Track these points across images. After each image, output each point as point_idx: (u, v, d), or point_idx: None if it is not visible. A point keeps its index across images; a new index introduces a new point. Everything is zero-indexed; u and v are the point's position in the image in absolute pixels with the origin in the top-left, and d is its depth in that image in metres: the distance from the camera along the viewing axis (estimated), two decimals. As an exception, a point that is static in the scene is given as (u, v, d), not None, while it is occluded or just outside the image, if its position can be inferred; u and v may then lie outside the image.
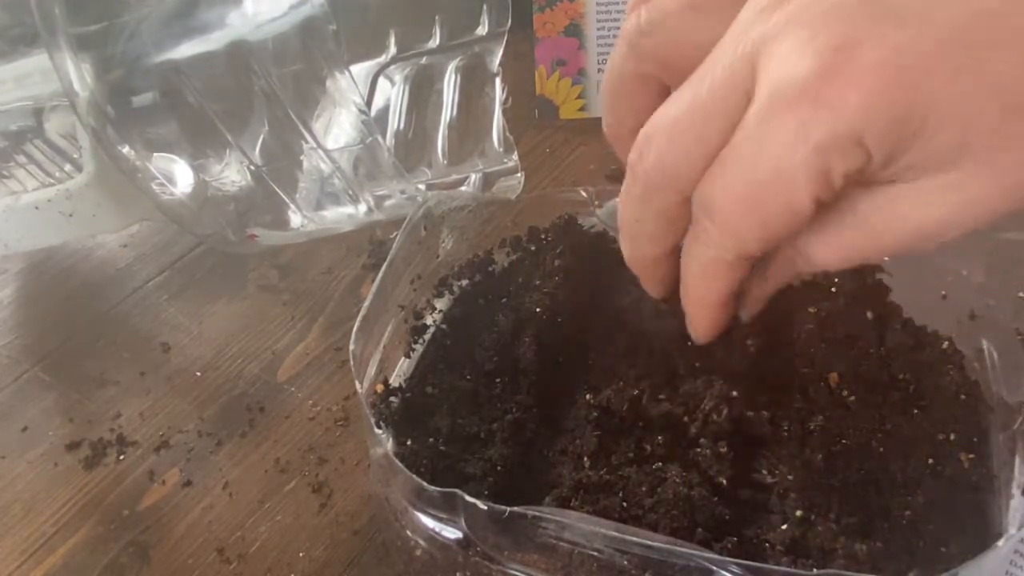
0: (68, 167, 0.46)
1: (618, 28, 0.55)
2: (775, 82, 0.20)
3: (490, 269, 0.38)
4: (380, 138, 0.43)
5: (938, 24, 0.19)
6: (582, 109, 0.56)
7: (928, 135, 0.20)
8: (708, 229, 0.23)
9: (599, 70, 0.55)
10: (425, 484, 0.26)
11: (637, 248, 0.27)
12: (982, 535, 0.26)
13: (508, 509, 0.25)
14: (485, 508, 0.25)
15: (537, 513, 0.25)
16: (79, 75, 0.39)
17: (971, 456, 0.28)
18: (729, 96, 0.22)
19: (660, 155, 0.23)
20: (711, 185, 0.22)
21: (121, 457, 0.40)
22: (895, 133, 0.20)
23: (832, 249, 0.23)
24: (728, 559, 0.22)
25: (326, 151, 0.43)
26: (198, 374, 0.44)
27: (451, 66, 0.55)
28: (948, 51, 0.20)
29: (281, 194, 0.44)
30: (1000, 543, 0.23)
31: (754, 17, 0.22)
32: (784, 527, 0.26)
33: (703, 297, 0.26)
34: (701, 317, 0.27)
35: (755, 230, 0.22)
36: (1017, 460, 0.27)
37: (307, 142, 0.43)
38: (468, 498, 0.25)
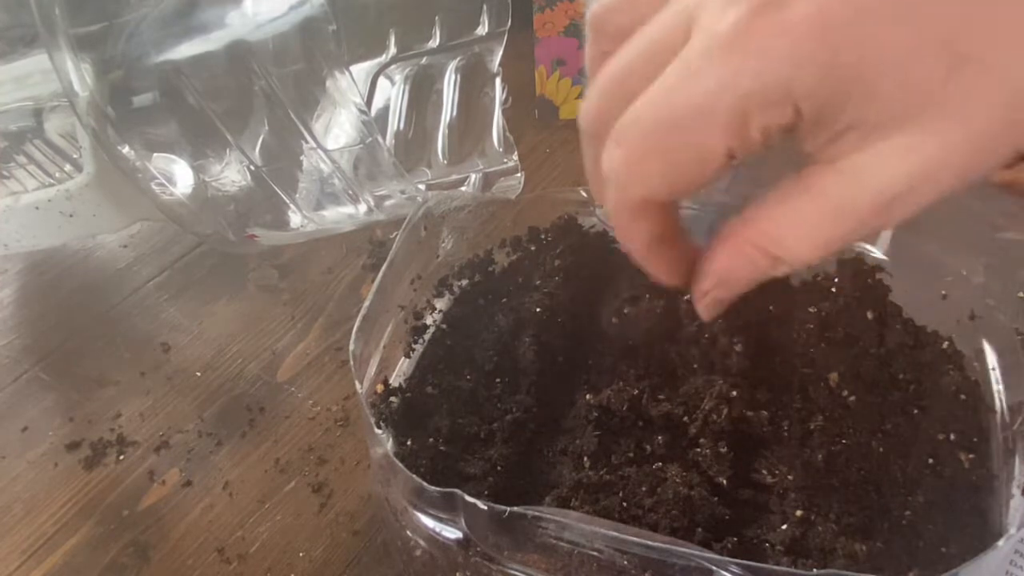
0: (68, 167, 0.46)
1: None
2: (706, 29, 0.20)
3: (490, 269, 0.38)
4: (380, 138, 0.43)
5: None
6: (582, 109, 0.56)
7: (867, 91, 0.19)
8: (615, 164, 0.22)
9: (599, 70, 0.55)
10: (425, 484, 0.26)
11: (605, 204, 0.25)
12: (982, 535, 0.26)
13: (508, 509, 0.24)
14: (485, 508, 0.25)
15: (537, 513, 0.25)
16: (79, 75, 0.39)
17: (971, 456, 0.28)
18: (661, 47, 0.21)
19: (594, 103, 0.23)
20: (626, 116, 0.21)
21: (121, 457, 0.40)
22: (827, 88, 0.19)
23: (804, 235, 0.21)
24: (728, 559, 0.22)
25: (326, 151, 0.43)
26: (198, 374, 0.44)
27: (451, 66, 0.55)
28: (887, 1, 0.19)
29: (281, 194, 0.44)
30: (1000, 543, 0.23)
31: None
32: (784, 527, 0.26)
33: (623, 241, 0.25)
34: (641, 261, 0.25)
35: (659, 169, 0.21)
36: (1017, 460, 0.27)
37: (307, 142, 0.43)
38: (468, 498, 0.25)
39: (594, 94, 0.23)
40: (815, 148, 0.20)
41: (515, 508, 0.25)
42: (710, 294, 0.24)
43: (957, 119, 0.19)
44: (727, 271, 0.23)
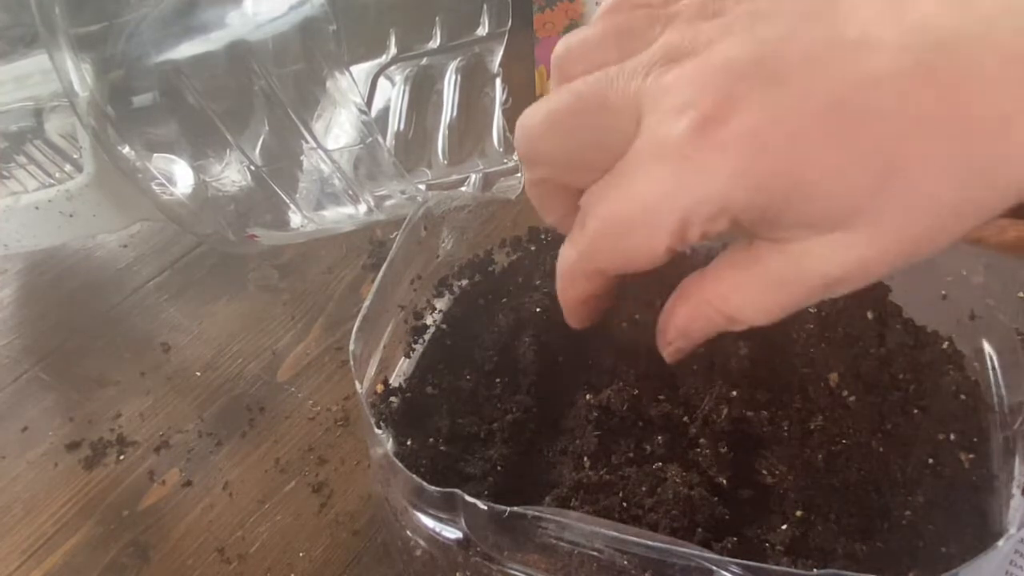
0: (68, 167, 0.46)
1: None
2: (655, 134, 0.22)
3: (490, 269, 0.38)
4: (380, 138, 0.43)
5: (818, 92, 0.20)
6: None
7: (804, 199, 0.21)
8: (579, 234, 0.25)
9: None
10: (425, 484, 0.26)
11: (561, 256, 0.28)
12: (982, 535, 0.26)
13: (508, 509, 0.24)
14: (485, 508, 0.25)
15: (537, 513, 0.24)
16: (79, 75, 0.39)
17: (971, 456, 0.28)
18: (613, 120, 0.23)
19: (539, 138, 0.26)
20: (596, 196, 0.24)
21: (121, 457, 0.40)
22: (760, 202, 0.21)
23: (751, 302, 0.24)
24: (728, 559, 0.22)
25: (326, 151, 0.43)
26: (198, 374, 0.44)
27: (451, 66, 0.55)
28: (824, 119, 0.20)
29: (281, 194, 0.44)
30: (1000, 543, 0.23)
31: (650, 62, 0.23)
32: (784, 527, 0.26)
33: (563, 292, 0.28)
34: (566, 307, 0.29)
35: (613, 253, 0.24)
36: (1017, 460, 0.27)
37: (307, 142, 0.43)
38: (468, 498, 0.25)
39: (562, 45, 0.26)
40: (759, 231, 0.22)
41: (515, 508, 0.25)
42: (673, 345, 0.27)
43: (886, 226, 0.21)
44: (686, 326, 0.26)
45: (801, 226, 0.21)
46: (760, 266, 0.23)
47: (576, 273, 0.26)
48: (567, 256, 0.26)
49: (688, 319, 0.26)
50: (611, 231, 0.24)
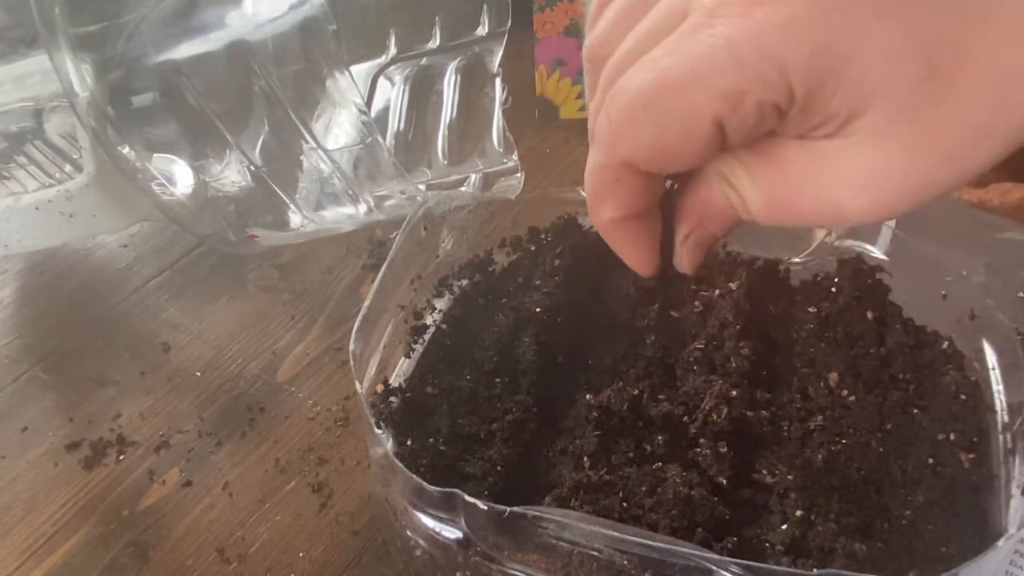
0: (68, 168, 0.46)
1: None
2: (704, 5, 0.20)
3: (490, 269, 0.38)
4: (380, 138, 0.43)
5: None
6: (582, 109, 0.56)
7: (853, 76, 0.19)
8: (603, 126, 0.22)
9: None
10: (425, 484, 0.26)
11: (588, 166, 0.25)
12: (982, 535, 0.26)
13: (508, 509, 0.24)
14: (485, 508, 0.25)
15: (537, 513, 0.24)
16: (79, 76, 0.39)
17: (971, 456, 0.28)
18: (668, 14, 0.21)
19: (600, 28, 0.23)
20: (619, 82, 0.21)
21: (121, 457, 0.40)
22: (817, 67, 0.19)
23: (762, 196, 0.22)
24: (728, 559, 0.22)
25: (326, 151, 0.43)
26: (198, 374, 0.44)
27: (451, 66, 0.55)
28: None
29: (281, 194, 0.44)
30: (1000, 543, 0.23)
31: None
32: (784, 527, 0.26)
33: (595, 209, 0.24)
34: (606, 235, 0.25)
35: (646, 129, 0.21)
36: (1017, 460, 0.27)
37: (307, 142, 0.43)
38: (468, 498, 0.25)
39: (601, 23, 0.24)
40: (793, 127, 0.21)
41: (515, 508, 0.25)
42: (691, 236, 0.25)
43: (922, 127, 0.19)
44: (704, 204, 0.24)
45: (836, 119, 0.20)
46: (779, 156, 0.21)
47: (603, 171, 0.23)
48: (590, 157, 0.23)
49: (705, 201, 0.23)
50: (648, 101, 0.21)
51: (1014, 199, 0.31)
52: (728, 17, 0.19)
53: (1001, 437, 0.28)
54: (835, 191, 0.20)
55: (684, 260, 0.25)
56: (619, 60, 0.22)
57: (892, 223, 0.34)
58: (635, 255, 0.25)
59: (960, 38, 0.19)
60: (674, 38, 0.20)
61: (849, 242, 0.35)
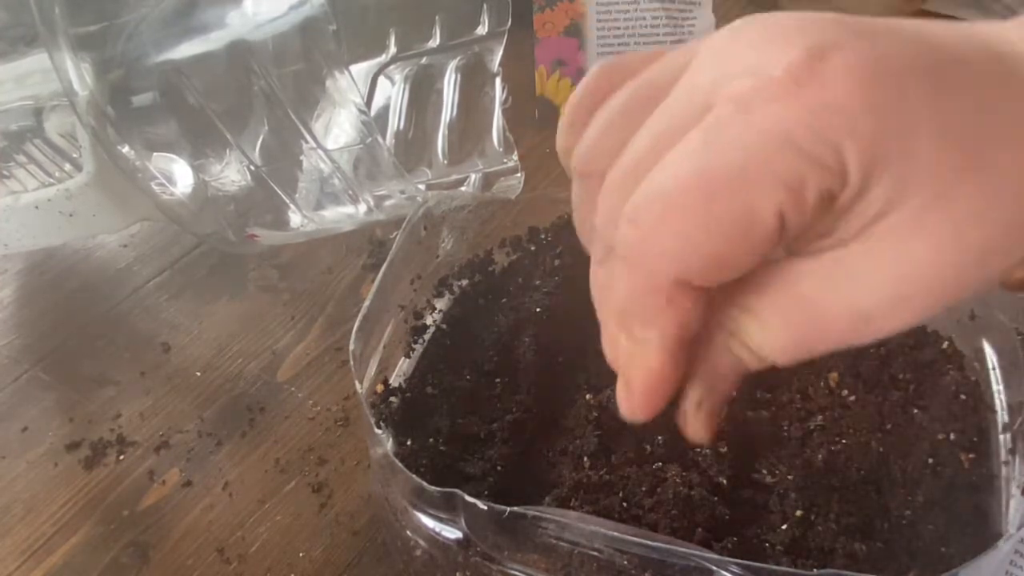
0: (68, 167, 0.46)
1: (618, 28, 0.55)
2: (741, 87, 0.18)
3: (490, 269, 0.38)
4: (380, 138, 0.43)
5: (916, 43, 0.18)
6: (582, 109, 0.56)
7: (899, 161, 0.17)
8: (631, 245, 0.19)
9: (599, 70, 0.55)
10: (425, 484, 0.26)
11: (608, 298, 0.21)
12: (982, 535, 0.26)
13: (508, 509, 0.24)
14: (485, 508, 0.25)
15: (537, 513, 0.25)
16: (79, 75, 0.39)
17: (971, 456, 0.28)
18: (682, 113, 0.19)
19: (592, 136, 0.21)
20: (640, 191, 0.18)
21: (121, 457, 0.40)
22: (877, 147, 0.17)
23: (778, 337, 0.19)
24: (728, 559, 0.22)
25: (326, 151, 0.43)
26: (198, 374, 0.44)
27: (451, 66, 0.55)
28: (925, 66, 0.17)
29: (281, 194, 0.44)
30: (1000, 543, 0.23)
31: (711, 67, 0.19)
32: (784, 527, 0.26)
33: (635, 334, 0.20)
34: (632, 380, 0.20)
35: (697, 241, 0.18)
36: (1017, 460, 0.27)
37: (307, 142, 0.43)
38: (468, 498, 0.25)
39: (591, 130, 0.21)
40: (810, 237, 0.18)
41: (515, 508, 0.25)
42: (703, 404, 0.21)
43: (956, 218, 0.17)
44: (712, 368, 0.21)
45: (875, 207, 0.17)
46: (790, 283, 0.19)
47: (650, 295, 0.19)
48: (625, 279, 0.19)
49: (713, 365, 0.20)
50: (693, 203, 0.18)
51: (1018, 278, 0.26)
52: (770, 103, 0.17)
53: (1001, 437, 0.28)
54: (863, 300, 0.18)
55: (699, 431, 0.22)
56: (632, 165, 0.19)
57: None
58: (663, 390, 0.21)
59: (995, 127, 0.17)
60: (701, 134, 0.18)
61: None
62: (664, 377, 0.20)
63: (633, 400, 0.21)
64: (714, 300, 0.20)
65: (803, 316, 0.19)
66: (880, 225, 0.18)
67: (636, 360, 0.20)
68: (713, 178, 0.18)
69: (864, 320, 0.18)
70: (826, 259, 0.18)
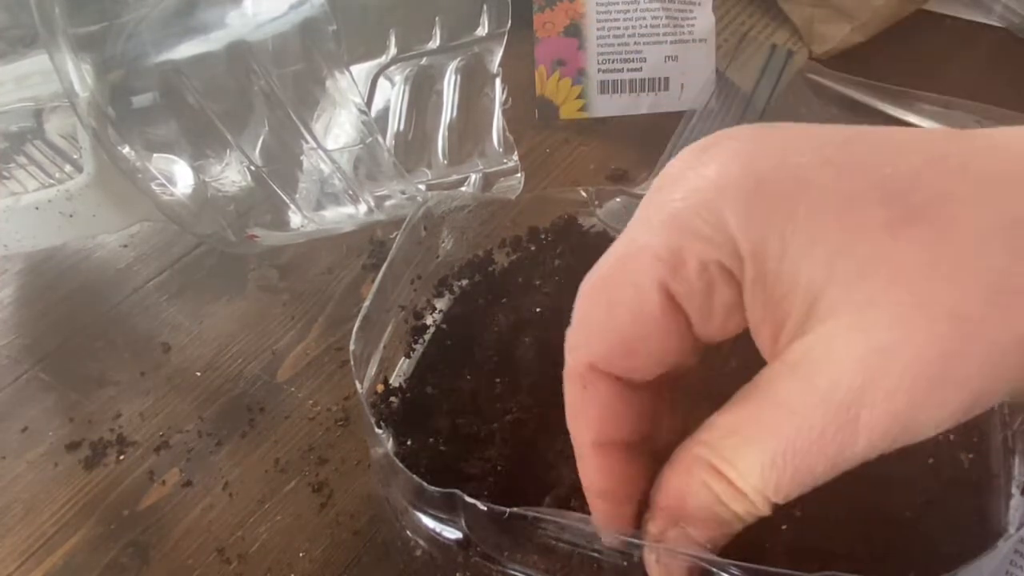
0: (68, 168, 0.46)
1: (618, 28, 0.55)
2: (652, 187, 0.19)
3: (490, 269, 0.38)
4: (380, 138, 0.43)
5: (816, 128, 0.17)
6: (582, 109, 0.56)
7: (797, 225, 0.16)
8: (568, 333, 0.20)
9: (599, 70, 0.55)
10: (425, 484, 0.26)
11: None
12: (982, 535, 0.26)
13: (508, 510, 0.24)
14: (485, 509, 0.25)
15: (537, 514, 0.24)
16: (79, 76, 0.39)
17: (971, 456, 0.28)
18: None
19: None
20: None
21: (121, 457, 0.40)
22: (757, 210, 0.16)
23: (756, 453, 0.17)
24: (727, 560, 0.22)
25: (326, 151, 0.43)
26: (198, 374, 0.44)
27: (451, 66, 0.55)
28: (825, 139, 0.16)
29: (281, 194, 0.44)
30: (1000, 543, 0.23)
31: None
32: (783, 528, 0.26)
33: (572, 424, 0.21)
34: (579, 456, 0.21)
35: (599, 323, 0.19)
36: (1017, 460, 0.27)
37: (307, 142, 0.43)
38: (468, 499, 0.25)
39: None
40: (767, 337, 0.17)
41: (515, 509, 0.25)
42: (664, 547, 0.19)
43: (914, 281, 0.15)
44: (678, 499, 0.19)
45: (801, 284, 0.16)
46: (763, 394, 0.17)
47: (569, 379, 0.20)
48: (565, 369, 0.20)
49: (679, 489, 0.19)
50: (593, 292, 0.19)
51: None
52: (657, 191, 0.18)
53: (1001, 436, 0.28)
54: (838, 392, 0.15)
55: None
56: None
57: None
58: (603, 487, 0.20)
59: (937, 180, 0.15)
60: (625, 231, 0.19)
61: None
62: (605, 489, 0.20)
63: (595, 516, 0.20)
64: (689, 431, 0.19)
65: (784, 423, 0.16)
66: (827, 298, 0.16)
67: (581, 468, 0.20)
68: (608, 258, 0.19)
69: (847, 414, 0.16)
70: (792, 356, 0.17)
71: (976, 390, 0.15)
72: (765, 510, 0.18)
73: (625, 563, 0.24)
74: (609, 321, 0.19)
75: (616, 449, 0.20)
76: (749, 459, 0.17)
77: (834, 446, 0.16)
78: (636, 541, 0.23)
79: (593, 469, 0.20)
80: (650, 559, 0.20)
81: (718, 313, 0.18)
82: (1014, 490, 0.26)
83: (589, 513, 0.26)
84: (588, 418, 0.20)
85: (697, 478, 0.18)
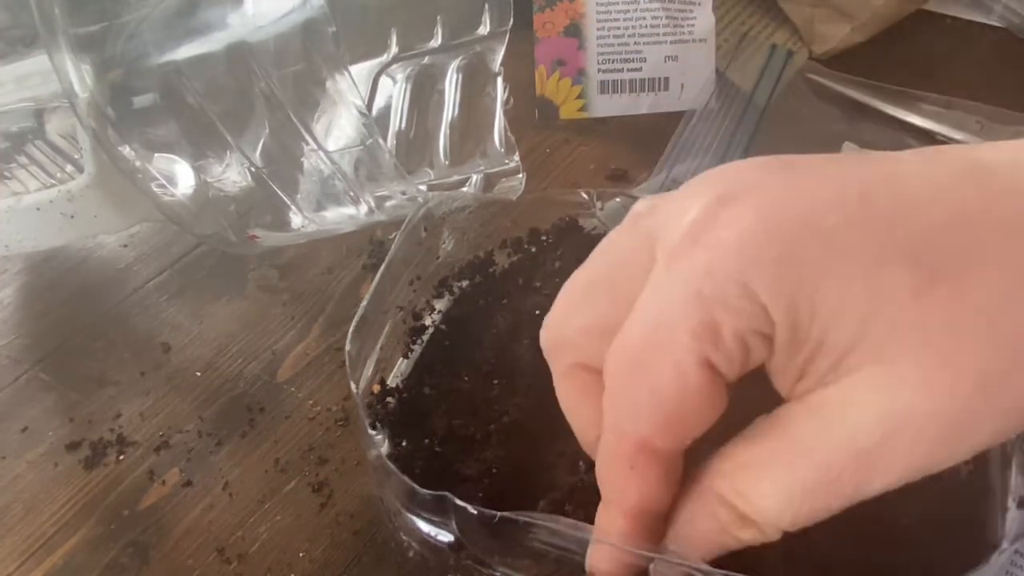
0: (69, 168, 0.46)
1: (618, 28, 0.54)
2: (665, 241, 0.18)
3: (491, 270, 0.38)
4: (381, 139, 0.43)
5: (835, 172, 0.17)
6: (582, 109, 0.56)
7: (827, 291, 0.16)
8: (605, 408, 0.20)
9: (599, 70, 0.55)
10: (416, 487, 0.26)
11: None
12: (978, 547, 0.26)
13: (498, 514, 0.24)
14: (475, 512, 0.25)
15: (528, 519, 0.24)
16: (79, 76, 0.39)
17: (969, 467, 0.27)
18: (630, 268, 0.19)
19: (557, 317, 0.22)
20: (608, 353, 0.19)
21: (121, 457, 0.40)
22: (785, 278, 0.16)
23: (772, 487, 0.18)
24: (720, 571, 0.22)
25: (327, 152, 0.43)
26: (198, 374, 0.44)
27: (453, 66, 0.55)
28: (847, 194, 0.16)
29: (282, 195, 0.44)
30: (993, 557, 0.22)
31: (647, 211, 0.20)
32: (780, 537, 0.26)
33: (615, 503, 0.20)
34: (620, 531, 0.21)
35: (643, 400, 0.18)
36: (1013, 471, 0.27)
37: (308, 144, 0.43)
38: (459, 501, 0.25)
39: (561, 312, 0.22)
40: (788, 381, 0.18)
41: (505, 513, 0.24)
42: (661, 557, 0.20)
43: (938, 346, 0.16)
44: (688, 529, 0.20)
45: (831, 343, 0.16)
46: (781, 433, 0.18)
47: (614, 463, 0.20)
48: (601, 447, 0.20)
49: (689, 519, 0.20)
50: (633, 366, 0.18)
51: None
52: (683, 255, 0.18)
53: (999, 448, 0.28)
54: (858, 438, 0.16)
55: None
56: (597, 325, 0.20)
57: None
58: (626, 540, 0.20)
59: (959, 236, 0.16)
60: (642, 297, 0.19)
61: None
62: (629, 534, 0.20)
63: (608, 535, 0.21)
64: (703, 462, 0.19)
65: (803, 462, 0.17)
66: (854, 357, 0.16)
67: (607, 524, 0.21)
68: (641, 341, 0.18)
69: (866, 459, 0.17)
70: (813, 400, 0.17)
71: (992, 436, 0.17)
72: (774, 537, 0.19)
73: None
74: (655, 403, 0.18)
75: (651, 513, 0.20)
76: (764, 493, 0.18)
77: (851, 487, 0.17)
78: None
79: (623, 532, 0.21)
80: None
81: (750, 365, 0.18)
82: (1010, 503, 0.26)
83: (583, 517, 0.26)
84: (629, 494, 0.20)
85: (710, 511, 0.19)
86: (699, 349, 0.17)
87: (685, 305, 0.17)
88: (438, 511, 0.26)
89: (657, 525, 0.21)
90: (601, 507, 0.21)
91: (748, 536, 0.19)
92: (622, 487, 0.20)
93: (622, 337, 0.19)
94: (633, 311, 0.19)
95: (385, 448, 0.31)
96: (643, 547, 0.20)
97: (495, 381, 0.33)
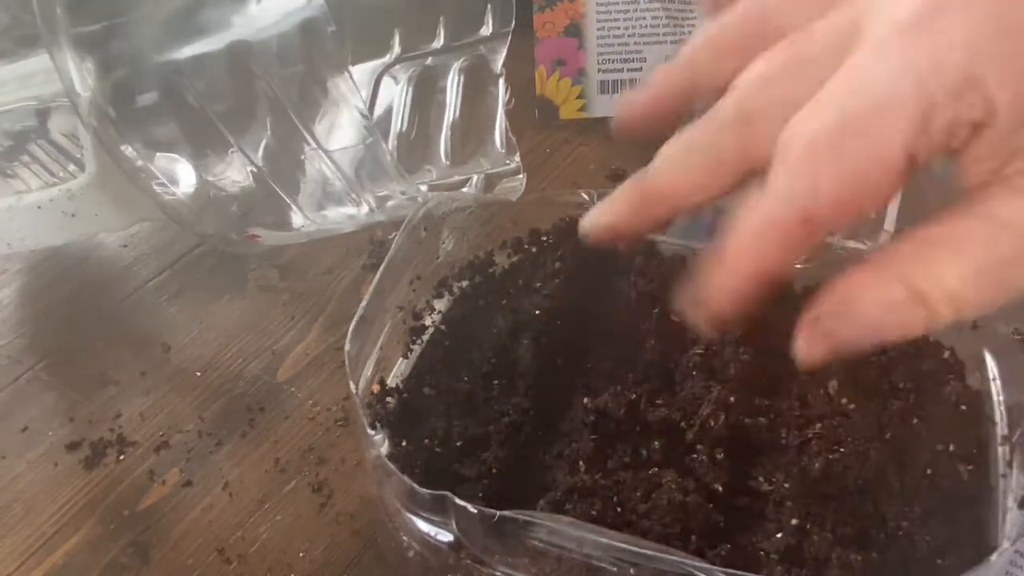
0: (71, 167, 0.46)
1: (618, 28, 0.54)
2: (882, 23, 0.18)
3: (490, 271, 0.38)
4: (381, 140, 0.43)
5: None
6: (582, 109, 0.56)
7: None
8: (778, 175, 0.19)
9: (599, 70, 0.55)
10: (416, 487, 0.26)
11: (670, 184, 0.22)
12: (979, 547, 0.26)
13: (498, 513, 0.24)
14: (475, 511, 0.25)
15: (527, 518, 0.24)
16: (81, 75, 0.39)
17: (970, 467, 0.27)
18: (830, 46, 0.19)
19: (747, 95, 0.21)
20: (796, 122, 0.19)
21: (121, 457, 0.40)
22: (1015, 71, 0.17)
23: (971, 269, 0.18)
24: (718, 568, 0.22)
25: (327, 153, 0.43)
26: (198, 374, 0.44)
27: (455, 66, 0.55)
28: None
29: (283, 195, 0.44)
30: (993, 557, 0.22)
31: None
32: (779, 535, 0.26)
33: (739, 261, 0.20)
34: (724, 286, 0.21)
35: (831, 177, 0.18)
36: (1015, 472, 0.27)
37: (309, 144, 0.43)
38: (458, 501, 0.25)
39: (753, 87, 0.21)
40: (993, 164, 0.18)
41: (505, 512, 0.24)
42: (821, 322, 0.20)
43: None
44: (879, 317, 0.19)
45: None
46: (979, 210, 0.18)
47: (773, 227, 0.19)
48: (759, 209, 0.19)
49: (859, 300, 0.19)
50: (823, 145, 0.18)
51: None
52: (903, 42, 0.18)
53: (1000, 449, 0.28)
54: None
55: (808, 350, 0.20)
56: (781, 95, 0.20)
57: (892, 228, 0.34)
58: (728, 317, 0.21)
59: None
60: (845, 71, 0.19)
61: (852, 243, 0.35)
62: (741, 297, 0.21)
63: (712, 307, 0.21)
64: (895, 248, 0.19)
65: (1005, 235, 0.17)
66: None
67: (730, 271, 0.21)
68: (848, 119, 0.18)
69: None
70: (1021, 182, 0.18)
71: None
72: (944, 322, 0.18)
73: (615, 568, 0.24)
74: (844, 179, 0.18)
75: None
76: (951, 268, 0.18)
77: None
78: (631, 549, 0.23)
79: (732, 294, 0.21)
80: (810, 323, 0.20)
81: (942, 153, 0.18)
82: (1011, 503, 0.26)
83: (582, 516, 0.26)
84: (765, 258, 0.20)
85: (882, 286, 0.19)
86: (911, 136, 0.18)
87: (904, 93, 0.18)
88: (438, 511, 0.26)
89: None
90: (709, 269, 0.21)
91: (918, 319, 0.18)
92: (759, 251, 0.20)
93: (816, 113, 0.19)
94: (828, 90, 0.19)
95: (385, 448, 0.31)
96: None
97: (495, 381, 0.33)
